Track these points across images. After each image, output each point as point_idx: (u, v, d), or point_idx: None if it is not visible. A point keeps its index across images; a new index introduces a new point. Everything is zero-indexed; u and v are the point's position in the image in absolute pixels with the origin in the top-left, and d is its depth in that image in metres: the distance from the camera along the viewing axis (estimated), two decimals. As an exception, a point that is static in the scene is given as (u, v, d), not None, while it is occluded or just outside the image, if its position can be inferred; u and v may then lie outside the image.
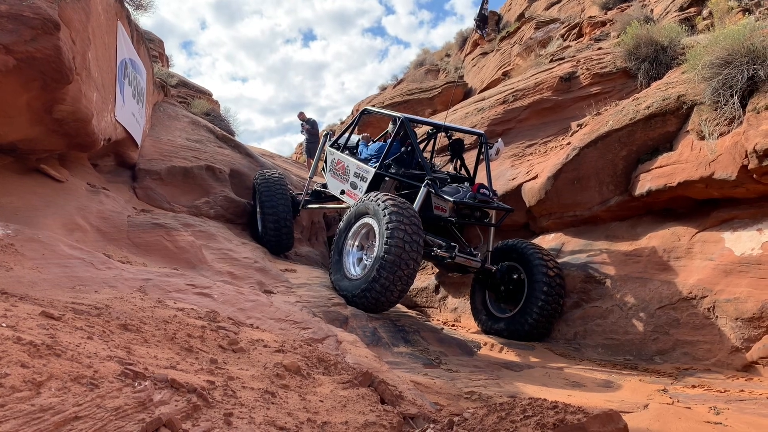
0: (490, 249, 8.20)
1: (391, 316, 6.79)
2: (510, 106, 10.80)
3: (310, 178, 10.89)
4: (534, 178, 9.14)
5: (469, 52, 28.20)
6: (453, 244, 7.58)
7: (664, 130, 7.51)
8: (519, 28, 23.20)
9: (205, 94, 19.57)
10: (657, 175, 7.42)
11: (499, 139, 8.92)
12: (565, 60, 11.66)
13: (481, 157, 8.74)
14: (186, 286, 3.79)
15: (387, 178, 8.33)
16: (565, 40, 15.48)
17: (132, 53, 8.53)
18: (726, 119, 6.71)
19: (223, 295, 3.80)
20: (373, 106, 25.24)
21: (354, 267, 7.22)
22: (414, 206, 7.55)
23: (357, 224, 7.28)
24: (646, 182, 7.53)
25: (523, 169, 9.55)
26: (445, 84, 25.55)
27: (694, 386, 5.50)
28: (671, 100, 7.44)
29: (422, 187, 7.62)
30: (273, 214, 9.66)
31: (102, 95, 6.58)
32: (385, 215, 6.74)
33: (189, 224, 7.49)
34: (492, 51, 25.00)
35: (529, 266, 7.84)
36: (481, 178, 8.71)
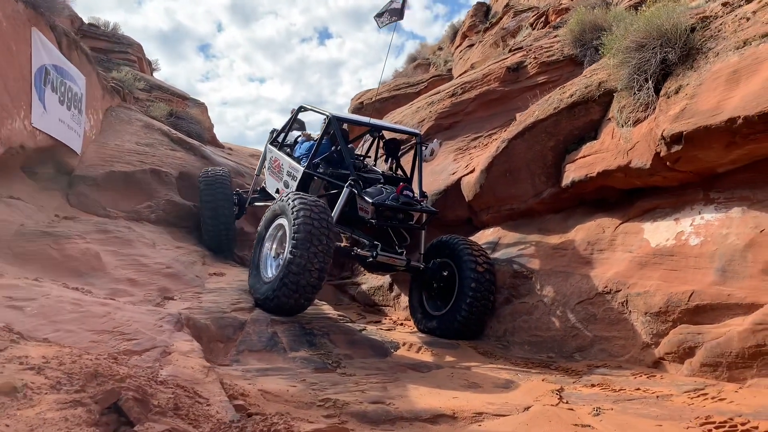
0: (422, 249, 8.02)
1: (303, 319, 6.62)
2: (457, 99, 10.58)
3: (257, 175, 10.72)
4: (471, 171, 8.93)
5: (458, 45, 27.91)
6: (375, 242, 7.40)
7: (588, 118, 7.27)
8: (501, 18, 22.89)
9: (180, 97, 19.54)
10: (580, 165, 7.19)
11: (435, 140, 8.72)
12: (520, 49, 11.40)
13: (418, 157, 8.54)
14: (2, 298, 3.67)
15: (316, 178, 8.17)
16: (533, 29, 15.18)
17: (57, 59, 8.45)
18: (641, 105, 6.47)
19: (41, 307, 3.67)
20: (362, 102, 25.11)
21: (270, 269, 7.06)
22: (336, 206, 7.41)
23: (273, 225, 7.14)
24: (570, 173, 7.31)
25: (464, 163, 9.34)
26: (431, 78, 25.27)
27: (593, 385, 5.28)
28: (593, 87, 7.19)
29: (345, 188, 7.45)
30: (212, 212, 9.54)
31: (1, 104, 6.48)
32: (293, 214, 6.58)
33: (105, 230, 7.40)
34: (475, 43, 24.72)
35: (459, 262, 7.65)
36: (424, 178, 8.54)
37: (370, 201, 7.14)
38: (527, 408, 4.67)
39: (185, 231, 10.15)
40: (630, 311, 6.00)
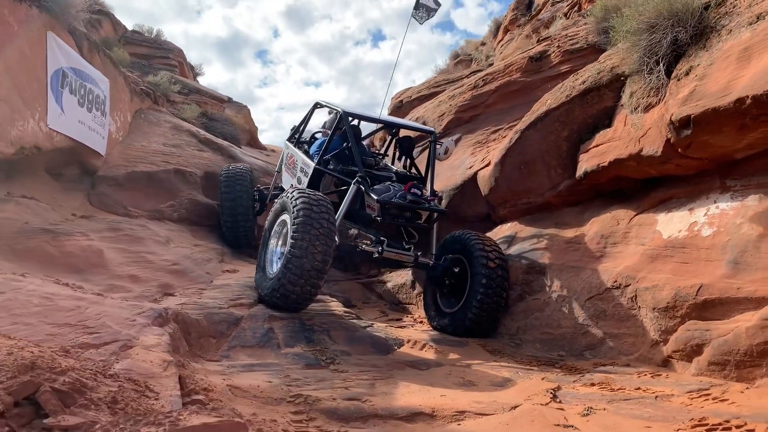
0: (434, 247, 7.85)
1: (304, 316, 6.54)
2: (478, 91, 10.33)
3: (277, 172, 10.73)
4: (487, 165, 8.68)
5: (500, 39, 27.44)
6: (382, 238, 7.27)
7: (601, 105, 6.94)
8: (541, 9, 22.38)
9: (218, 99, 19.87)
10: (593, 155, 6.87)
11: (451, 138, 8.54)
12: (547, 39, 11.05)
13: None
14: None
15: (327, 175, 8.10)
16: (567, 18, 14.73)
17: (76, 63, 8.64)
18: (653, 90, 6.12)
19: (6, 301, 3.69)
20: (401, 100, 24.99)
21: (275, 265, 7.03)
22: (343, 202, 7.33)
23: (277, 222, 7.10)
24: (584, 163, 6.99)
25: (481, 156, 9.10)
26: (470, 73, 24.91)
27: (593, 384, 5.01)
28: (605, 72, 6.86)
29: (352, 185, 7.35)
30: (230, 207, 9.61)
31: (10, 105, 6.65)
32: (293, 209, 6.55)
33: (117, 228, 7.54)
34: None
35: (471, 258, 7.44)
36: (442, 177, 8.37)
37: (376, 198, 7.02)
38: (514, 407, 4.46)
39: (207, 229, 10.24)
40: (639, 307, 5.68)
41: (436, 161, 9.25)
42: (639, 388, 4.76)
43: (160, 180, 10.23)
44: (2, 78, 6.42)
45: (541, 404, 4.53)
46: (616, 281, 5.99)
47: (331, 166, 8.04)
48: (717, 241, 5.28)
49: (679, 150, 5.68)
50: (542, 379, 5.33)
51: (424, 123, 11.41)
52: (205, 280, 7.16)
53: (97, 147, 9.60)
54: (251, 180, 10.47)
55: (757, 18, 5.17)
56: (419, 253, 7.46)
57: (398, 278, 10.65)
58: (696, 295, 5.02)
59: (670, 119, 5.54)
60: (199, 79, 26.83)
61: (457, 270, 7.59)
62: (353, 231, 7.88)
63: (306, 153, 8.86)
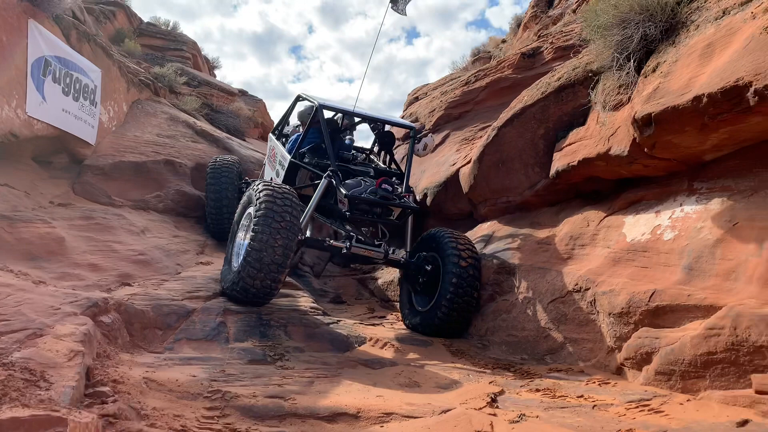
0: (408, 244, 7.72)
1: (264, 310, 6.46)
2: (469, 87, 10.15)
3: (264, 164, 10.69)
4: (469, 162, 8.50)
5: (520, 37, 27.08)
6: (351, 234, 7.15)
7: (576, 103, 6.72)
8: (557, 6, 21.99)
9: (227, 92, 19.90)
10: (565, 154, 6.66)
11: (430, 134, 8.39)
12: (546, 36, 10.82)
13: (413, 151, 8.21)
14: None
15: (302, 168, 8.01)
16: (575, 14, 14.39)
17: (60, 51, 8.67)
18: (624, 87, 5.90)
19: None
20: (417, 96, 24.82)
21: (240, 258, 6.97)
22: (314, 197, 7.24)
23: (244, 215, 7.03)
24: (556, 162, 6.79)
25: (464, 153, 8.92)
26: (477, 70, 24.64)
27: (538, 390, 4.83)
28: (580, 69, 6.64)
29: (323, 178, 7.26)
30: (215, 199, 9.57)
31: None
32: (256, 202, 6.49)
33: (90, 217, 7.55)
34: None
35: (443, 256, 7.29)
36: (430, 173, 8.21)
37: (344, 193, 6.91)
38: (446, 411, 4.32)
39: (194, 221, 10.23)
40: (597, 312, 5.49)
41: (416, 157, 9.12)
42: (582, 396, 4.58)
43: (148, 170, 10.24)
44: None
45: (475, 409, 4.38)
46: (577, 284, 5.80)
47: (307, 160, 7.95)
48: (676, 246, 5.07)
49: (645, 150, 5.47)
50: (490, 382, 5.16)
51: (416, 119, 11.27)
52: (172, 271, 7.12)
53: (86, 136, 9.63)
54: (240, 172, 10.43)
55: (723, 13, 4.94)
56: (390, 250, 7.33)
57: (387, 275, 10.53)
58: (648, 301, 4.82)
59: (634, 117, 5.33)
60: (217, 72, 27.02)
61: (429, 268, 7.44)
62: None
63: (284, 146, 8.78)
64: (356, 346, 6.45)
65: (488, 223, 8.34)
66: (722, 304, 4.26)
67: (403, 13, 7.75)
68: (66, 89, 8.85)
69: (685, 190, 5.46)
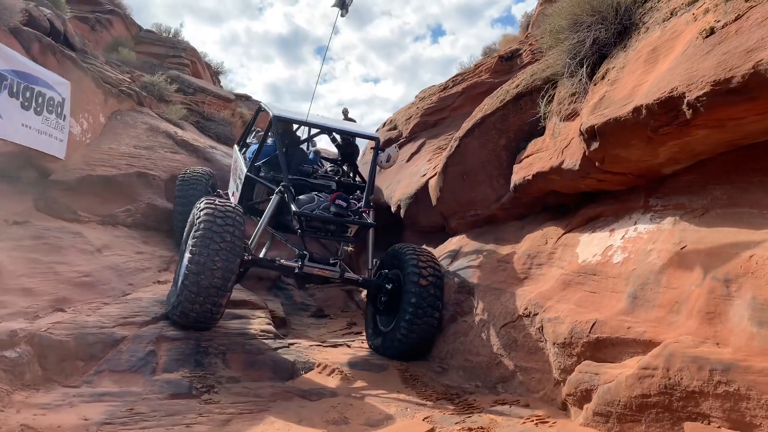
0: (370, 261, 7.36)
1: (205, 336, 6.14)
2: (446, 93, 9.75)
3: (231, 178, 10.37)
4: (436, 174, 8.10)
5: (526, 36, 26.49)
6: (304, 252, 6.81)
7: (535, 111, 6.29)
8: (561, 5, 21.39)
9: (224, 99, 19.71)
10: (522, 167, 6.25)
11: (394, 145, 8.02)
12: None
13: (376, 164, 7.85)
14: None
15: (257, 182, 7.69)
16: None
17: (18, 65, 8.47)
18: (578, 95, 5.47)
19: None
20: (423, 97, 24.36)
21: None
22: (265, 213, 6.92)
23: (191, 235, 6.73)
24: (515, 175, 6.38)
25: (435, 163, 8.51)
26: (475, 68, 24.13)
27: (470, 429, 4.43)
28: (538, 75, 6.22)
29: (275, 194, 6.93)
30: (182, 213, 9.26)
31: None
32: (196, 221, 6.19)
33: (39, 236, 7.35)
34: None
35: (404, 274, 6.92)
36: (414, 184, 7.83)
37: (293, 210, 6.58)
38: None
39: (165, 235, 9.97)
40: (545, 339, 5.06)
41: (392, 167, 8.76)
42: (511, 438, 4.18)
43: (118, 184, 10.00)
44: None
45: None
46: (526, 309, 5.38)
47: (263, 174, 7.63)
48: (624, 270, 4.64)
49: (597, 164, 5.04)
50: (425, 418, 4.78)
51: (394, 126, 10.89)
52: (118, 293, 6.85)
53: (52, 150, 9.43)
54: (213, 184, 10.15)
55: (671, 14, 4.51)
56: (344, 269, 6.97)
57: (368, 288, 10.19)
58: (590, 332, 4.39)
59: (580, 130, 4.91)
60: (221, 77, 26.89)
61: (389, 287, 7.07)
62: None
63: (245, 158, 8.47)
64: (302, 373, 6.11)
65: (457, 237, 7.94)
66: (661, 339, 3.84)
67: (343, 14, 7.39)
68: (26, 103, 8.64)
69: (641, 206, 5.02)
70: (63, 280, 6.52)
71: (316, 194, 6.97)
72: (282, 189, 6.88)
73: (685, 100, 3.63)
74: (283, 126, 7.70)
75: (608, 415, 4.00)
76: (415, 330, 6.64)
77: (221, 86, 25.11)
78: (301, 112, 8.02)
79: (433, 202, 8.05)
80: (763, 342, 3.27)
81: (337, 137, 8.39)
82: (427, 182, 8.34)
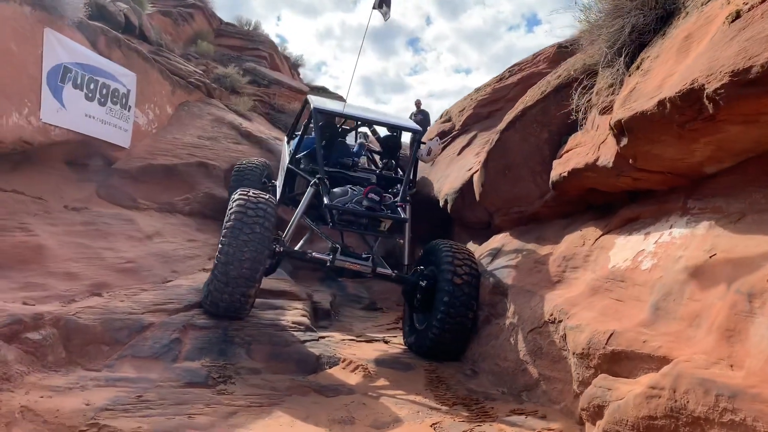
0: (405, 255, 7.23)
1: (234, 325, 6.21)
2: (502, 84, 9.38)
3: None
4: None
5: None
6: (336, 246, 6.75)
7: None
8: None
9: (297, 91, 20.01)
10: (560, 162, 5.90)
11: (435, 138, 7.79)
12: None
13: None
14: None
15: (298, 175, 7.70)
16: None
17: (83, 57, 8.88)
18: (614, 87, 5.07)
19: None
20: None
21: None
22: (300, 205, 6.92)
23: (224, 224, 6.82)
24: (553, 171, 6.03)
25: (482, 157, 8.21)
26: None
27: (476, 439, 4.23)
28: (579, 65, 5.83)
29: (309, 186, 6.92)
30: None
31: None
32: (228, 212, 6.28)
33: (91, 222, 7.68)
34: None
35: (439, 272, 6.74)
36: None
37: (324, 203, 6.53)
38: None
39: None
40: (568, 348, 4.74)
41: (443, 160, 8.54)
42: (515, 453, 3.94)
43: (179, 173, 10.33)
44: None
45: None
46: (552, 315, 5.07)
47: (303, 166, 7.62)
48: (651, 278, 4.26)
49: (630, 161, 4.66)
50: (433, 424, 4.62)
51: (449, 119, 10.62)
52: (159, 279, 7.05)
53: (117, 140, 9.86)
54: (267, 175, 10.28)
55: (711, -4, 4.05)
56: (377, 264, 6.85)
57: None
58: (606, 344, 4.07)
59: (610, 123, 4.55)
60: (300, 70, 27.30)
61: (424, 284, 6.90)
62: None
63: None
64: (326, 367, 6.06)
65: (501, 235, 7.63)
66: (675, 356, 3.48)
67: (386, 17, 7.22)
68: (90, 95, 9.05)
69: (679, 208, 4.59)
70: (106, 266, 6.77)
71: (350, 187, 6.89)
72: (317, 181, 6.84)
73: (705, 93, 3.25)
74: (325, 118, 7.65)
75: (617, 436, 3.68)
76: (448, 330, 6.46)
77: (300, 79, 25.56)
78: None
79: (477, 197, 7.77)
80: (780, 367, 2.88)
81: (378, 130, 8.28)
82: (472, 176, 8.06)
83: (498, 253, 7.22)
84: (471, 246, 8.44)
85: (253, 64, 19.92)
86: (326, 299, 9.34)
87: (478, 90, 9.97)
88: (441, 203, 9.03)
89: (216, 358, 5.67)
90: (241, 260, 5.98)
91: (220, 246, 6.08)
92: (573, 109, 5.51)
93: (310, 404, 5.09)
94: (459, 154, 9.25)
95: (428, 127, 12.41)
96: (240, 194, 6.39)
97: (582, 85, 5.50)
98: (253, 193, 6.47)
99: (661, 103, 3.78)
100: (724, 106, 3.16)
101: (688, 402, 3.13)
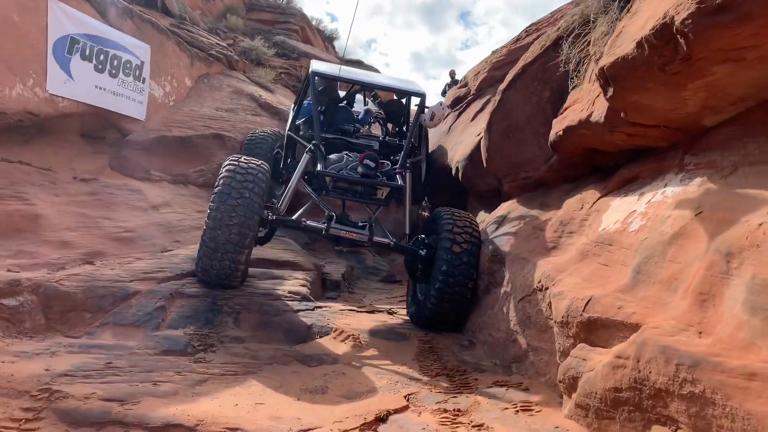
0: (406, 224, 6.98)
1: (225, 294, 6.10)
2: (518, 45, 8.90)
3: None
4: (486, 132, 7.45)
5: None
6: (331, 214, 6.55)
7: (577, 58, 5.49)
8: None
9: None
10: (558, 121, 5.51)
11: (439, 102, 7.45)
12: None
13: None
14: None
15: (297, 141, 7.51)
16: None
17: (91, 29, 8.86)
18: (608, 35, 4.66)
19: None
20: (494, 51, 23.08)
21: None
22: (296, 172, 6.75)
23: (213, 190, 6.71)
24: (552, 131, 5.64)
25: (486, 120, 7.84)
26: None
27: (445, 411, 4.01)
28: (577, 15, 5.41)
29: (305, 153, 6.72)
30: None
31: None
32: (218, 177, 6.16)
33: (94, 193, 7.68)
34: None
35: (438, 239, 6.50)
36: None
37: (316, 170, 6.33)
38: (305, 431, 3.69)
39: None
40: (553, 317, 4.44)
41: (458, 127, 8.22)
42: (480, 426, 3.69)
43: (194, 145, 10.28)
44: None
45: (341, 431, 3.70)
46: (540, 282, 4.76)
47: (302, 132, 7.42)
48: (636, 240, 3.92)
49: (621, 114, 4.28)
50: (407, 395, 4.39)
51: (465, 83, 10.22)
52: (157, 249, 7.01)
53: (131, 112, 9.86)
54: (281, 145, 10.12)
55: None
56: (373, 232, 6.63)
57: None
58: (583, 311, 3.76)
59: (595, 73, 4.17)
60: (335, 43, 27.02)
61: (423, 253, 6.65)
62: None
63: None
64: (316, 337, 5.90)
65: (508, 202, 7.28)
66: (647, 323, 3.16)
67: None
68: (99, 66, 9.04)
69: (676, 165, 4.21)
70: (103, 235, 6.75)
71: (346, 154, 6.66)
72: (312, 148, 6.64)
73: (674, 26, 2.87)
74: (324, 83, 7.42)
75: (587, 409, 3.42)
76: (446, 300, 6.22)
77: (336, 52, 25.30)
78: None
79: (484, 162, 7.43)
80: (749, 333, 2.55)
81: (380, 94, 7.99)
82: (480, 142, 7.71)
83: (503, 221, 6.89)
84: (482, 215, 8.14)
85: (282, 38, 19.77)
86: (339, 271, 9.18)
87: (494, 52, 9.53)
88: (453, 171, 8.72)
89: (201, 326, 5.57)
90: (229, 225, 5.84)
91: (208, 212, 5.95)
92: (562, 60, 5.10)
93: (289, 374, 4.93)
94: (473, 120, 8.88)
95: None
96: (230, 160, 6.25)
97: (574, 34, 5.08)
98: (244, 158, 6.31)
99: (639, 45, 3.41)
100: (695, 40, 2.80)
101: (650, 372, 2.83)
